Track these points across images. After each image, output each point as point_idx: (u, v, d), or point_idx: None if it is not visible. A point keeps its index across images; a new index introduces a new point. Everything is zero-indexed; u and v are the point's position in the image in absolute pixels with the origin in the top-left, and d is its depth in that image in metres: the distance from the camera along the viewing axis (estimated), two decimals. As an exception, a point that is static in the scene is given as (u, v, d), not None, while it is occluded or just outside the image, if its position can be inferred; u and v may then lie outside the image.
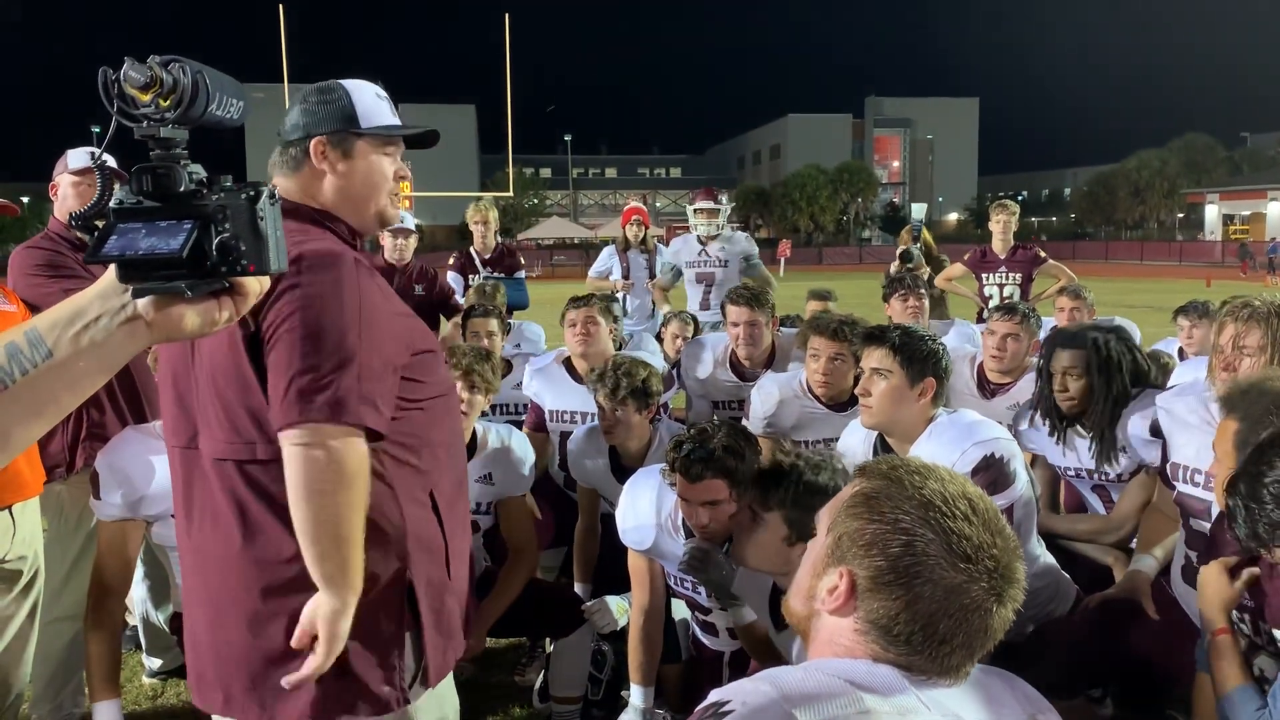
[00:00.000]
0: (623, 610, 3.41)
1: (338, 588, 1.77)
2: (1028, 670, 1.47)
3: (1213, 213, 62.72)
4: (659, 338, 6.20)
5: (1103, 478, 3.42)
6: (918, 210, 10.70)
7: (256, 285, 1.14)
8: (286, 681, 1.81)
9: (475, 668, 3.91)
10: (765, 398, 3.90)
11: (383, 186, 2.06)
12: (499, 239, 7.26)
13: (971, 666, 1.27)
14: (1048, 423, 3.48)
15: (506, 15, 42.49)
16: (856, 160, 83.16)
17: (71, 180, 3.54)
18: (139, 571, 3.65)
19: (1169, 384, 3.88)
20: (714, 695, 1.21)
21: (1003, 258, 7.35)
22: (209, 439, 1.87)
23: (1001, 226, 7.36)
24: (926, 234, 7.92)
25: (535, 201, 74.43)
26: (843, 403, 3.79)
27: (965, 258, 7.64)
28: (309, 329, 1.72)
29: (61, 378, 1.06)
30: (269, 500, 1.82)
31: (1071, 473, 3.53)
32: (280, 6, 40.20)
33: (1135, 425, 3.23)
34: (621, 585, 3.37)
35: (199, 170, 1.14)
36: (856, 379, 3.82)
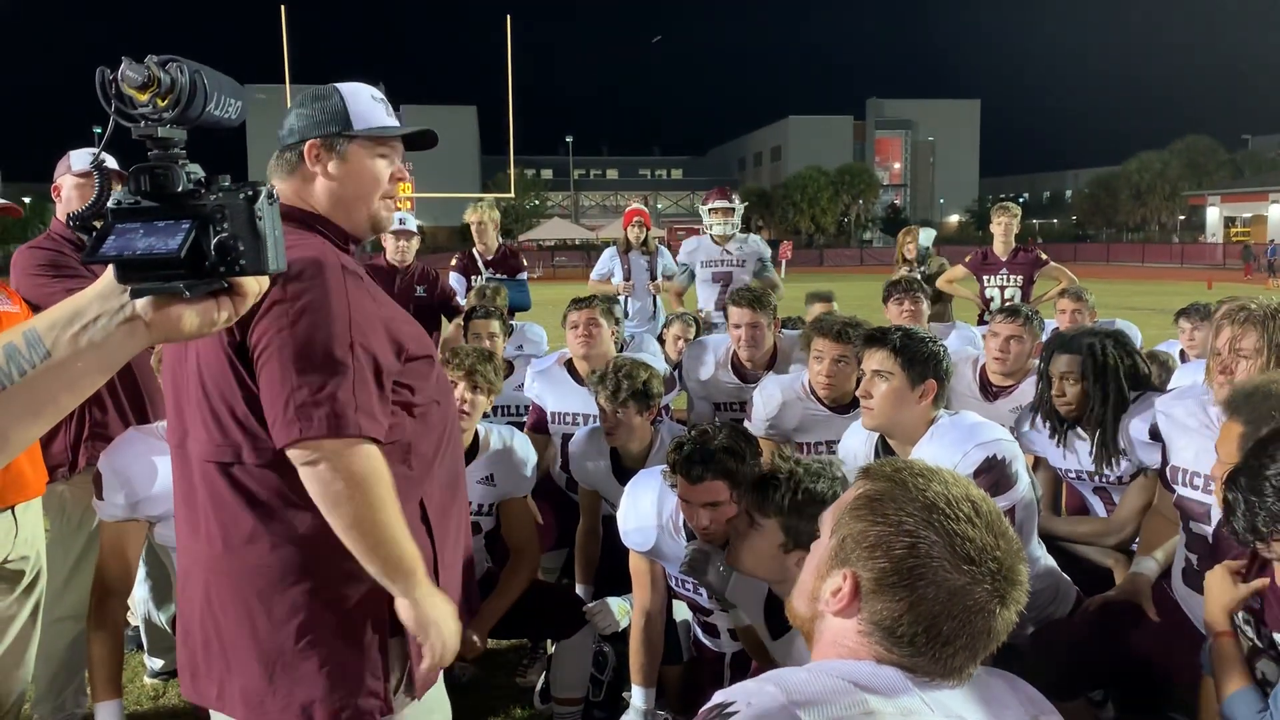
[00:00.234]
0: (624, 611, 3.41)
1: (394, 582, 1.81)
2: (1028, 672, 1.47)
3: (1214, 215, 62.70)
4: (660, 339, 6.20)
5: (1104, 480, 3.42)
6: (926, 237, 10.41)
7: (255, 285, 1.14)
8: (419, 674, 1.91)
9: (477, 669, 3.92)
10: (767, 400, 3.90)
11: (376, 189, 2.05)
12: (501, 240, 7.27)
13: (974, 668, 1.27)
14: (1048, 425, 3.48)
15: (508, 16, 42.52)
16: (858, 162, 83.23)
17: (74, 181, 3.54)
18: (141, 572, 3.65)
19: (1170, 385, 3.88)
20: (718, 696, 1.21)
21: (1004, 260, 7.35)
22: (196, 440, 1.88)
23: (1003, 229, 7.36)
24: (935, 259, 7.84)
25: (536, 203, 74.46)
26: (845, 405, 3.79)
27: (966, 260, 7.64)
28: (299, 343, 1.72)
29: (60, 378, 1.06)
30: (253, 502, 1.83)
31: (1073, 475, 3.53)
32: (282, 7, 40.22)
33: (1135, 428, 3.24)
34: (623, 586, 3.37)
35: (197, 170, 1.13)
36: (859, 381, 3.84)
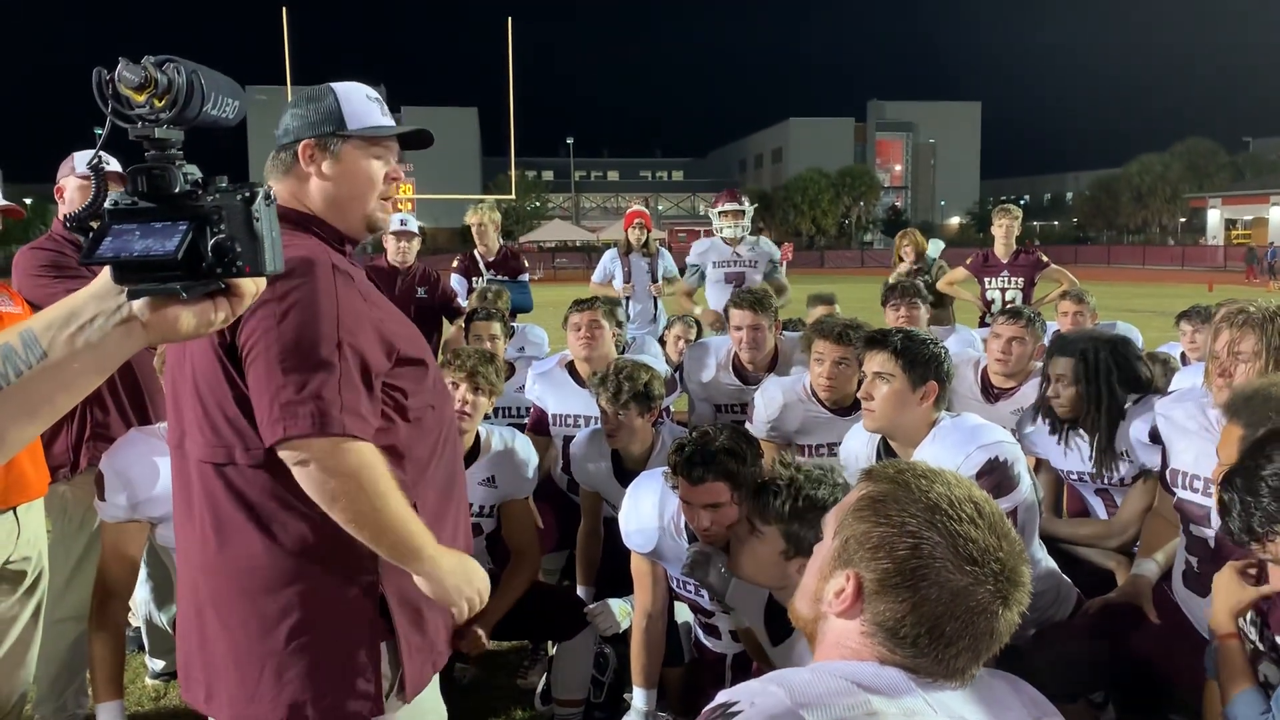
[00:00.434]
0: (625, 613, 3.41)
1: (409, 563, 1.84)
2: (1029, 673, 1.47)
3: (1215, 217, 62.67)
4: (661, 341, 6.21)
5: (1105, 482, 3.42)
6: (934, 248, 10.26)
7: (253, 286, 1.14)
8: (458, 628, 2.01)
9: (478, 670, 3.92)
10: (769, 402, 3.90)
11: (371, 190, 2.04)
12: (502, 242, 7.27)
13: (977, 669, 1.27)
14: (1049, 424, 3.49)
15: (509, 18, 42.55)
16: (858, 164, 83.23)
17: (78, 183, 3.53)
18: (142, 573, 3.65)
19: (1171, 387, 3.88)
20: (722, 696, 1.21)
21: (1005, 262, 7.35)
22: (192, 441, 1.88)
23: (1004, 231, 7.36)
24: (945, 265, 7.81)
25: (537, 204, 74.45)
26: (846, 407, 3.80)
27: (967, 262, 7.64)
28: (286, 342, 1.72)
29: (56, 379, 1.06)
30: (244, 504, 1.83)
31: (1074, 476, 3.53)
32: (283, 9, 40.24)
33: (1136, 430, 3.24)
34: (624, 588, 3.37)
35: (194, 171, 1.13)
36: (860, 383, 3.84)
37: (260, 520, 1.83)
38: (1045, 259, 7.35)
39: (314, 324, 1.74)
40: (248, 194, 1.11)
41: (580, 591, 3.90)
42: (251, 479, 1.82)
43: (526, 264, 7.43)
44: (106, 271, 1.08)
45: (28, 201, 38.80)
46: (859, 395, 3.05)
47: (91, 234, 1.10)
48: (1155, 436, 3.08)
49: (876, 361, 2.96)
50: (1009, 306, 5.98)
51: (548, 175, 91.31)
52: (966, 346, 5.01)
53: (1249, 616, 2.29)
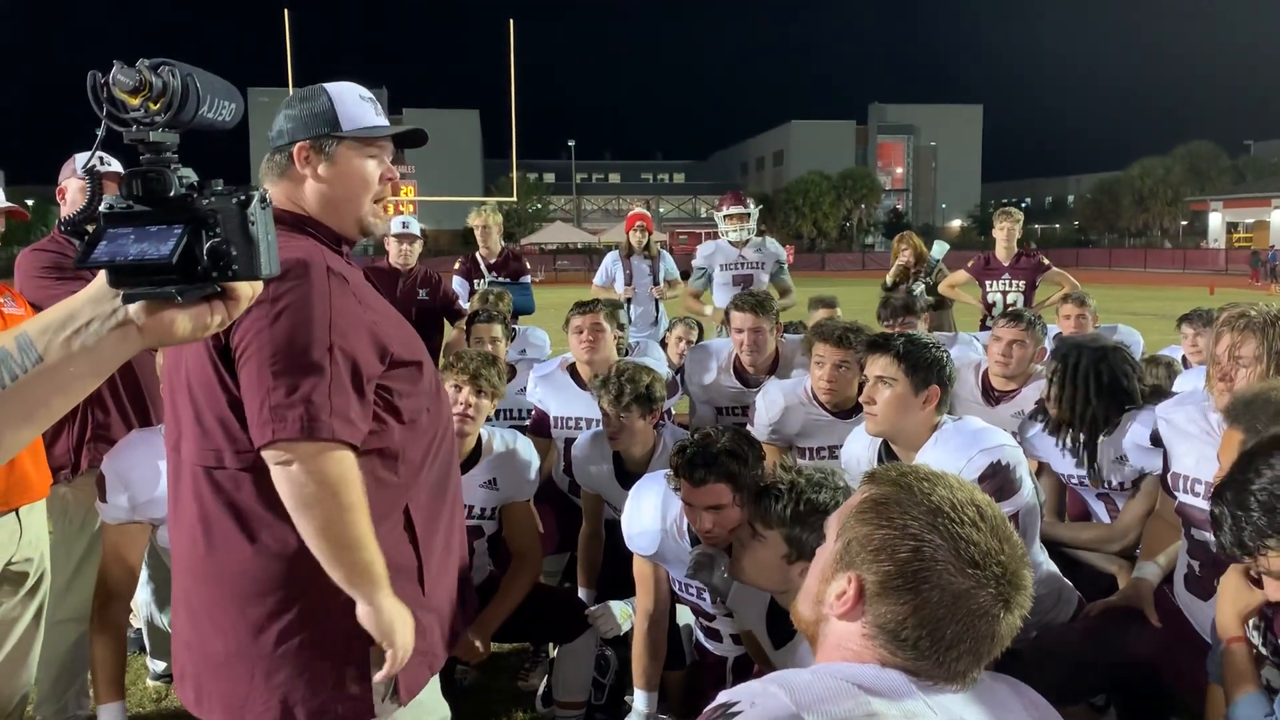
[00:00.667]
0: (626, 615, 3.41)
1: (357, 590, 1.81)
2: (1030, 677, 1.47)
3: (1216, 220, 62.65)
4: (663, 343, 6.20)
5: (1106, 486, 3.42)
6: (939, 250, 10.07)
7: (249, 290, 1.13)
8: (376, 679, 1.90)
9: (478, 673, 3.92)
10: (770, 404, 3.90)
11: (365, 190, 2.04)
12: (504, 244, 7.27)
13: (978, 672, 1.27)
14: (1045, 426, 3.48)
15: (511, 21, 42.58)
16: (860, 167, 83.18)
17: (80, 184, 3.54)
18: (143, 574, 3.66)
19: (1172, 390, 3.88)
20: (723, 696, 1.22)
21: (1006, 265, 7.35)
22: (185, 443, 1.89)
23: (1005, 234, 7.36)
24: (944, 269, 7.81)
25: (539, 206, 74.45)
26: (847, 410, 3.80)
27: (969, 265, 7.64)
28: (278, 344, 1.72)
29: (52, 382, 1.05)
30: (232, 507, 1.83)
31: (1075, 480, 3.53)
32: (285, 11, 40.28)
33: (1135, 434, 3.23)
34: (625, 590, 3.37)
35: (190, 174, 1.12)
36: (862, 386, 3.84)
37: (249, 524, 1.83)
38: (1046, 262, 7.36)
39: (306, 327, 1.74)
40: (243, 197, 1.10)
41: (582, 594, 3.90)
42: (241, 482, 1.82)
43: (528, 266, 7.43)
44: (102, 275, 1.08)
45: (29, 203, 38.83)
46: (861, 399, 3.04)
47: (87, 238, 1.09)
48: (1156, 440, 3.08)
49: (879, 365, 2.96)
50: (1010, 309, 5.99)
51: (549, 177, 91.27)
52: (967, 349, 5.01)
53: (1252, 621, 2.29)
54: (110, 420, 3.50)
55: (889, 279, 7.84)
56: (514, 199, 53.35)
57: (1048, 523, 3.49)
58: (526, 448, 3.46)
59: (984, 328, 6.94)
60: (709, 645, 3.40)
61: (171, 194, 1.10)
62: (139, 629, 3.99)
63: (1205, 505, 2.73)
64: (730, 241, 6.92)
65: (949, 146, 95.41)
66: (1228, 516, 2.01)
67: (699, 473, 2.70)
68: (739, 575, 2.60)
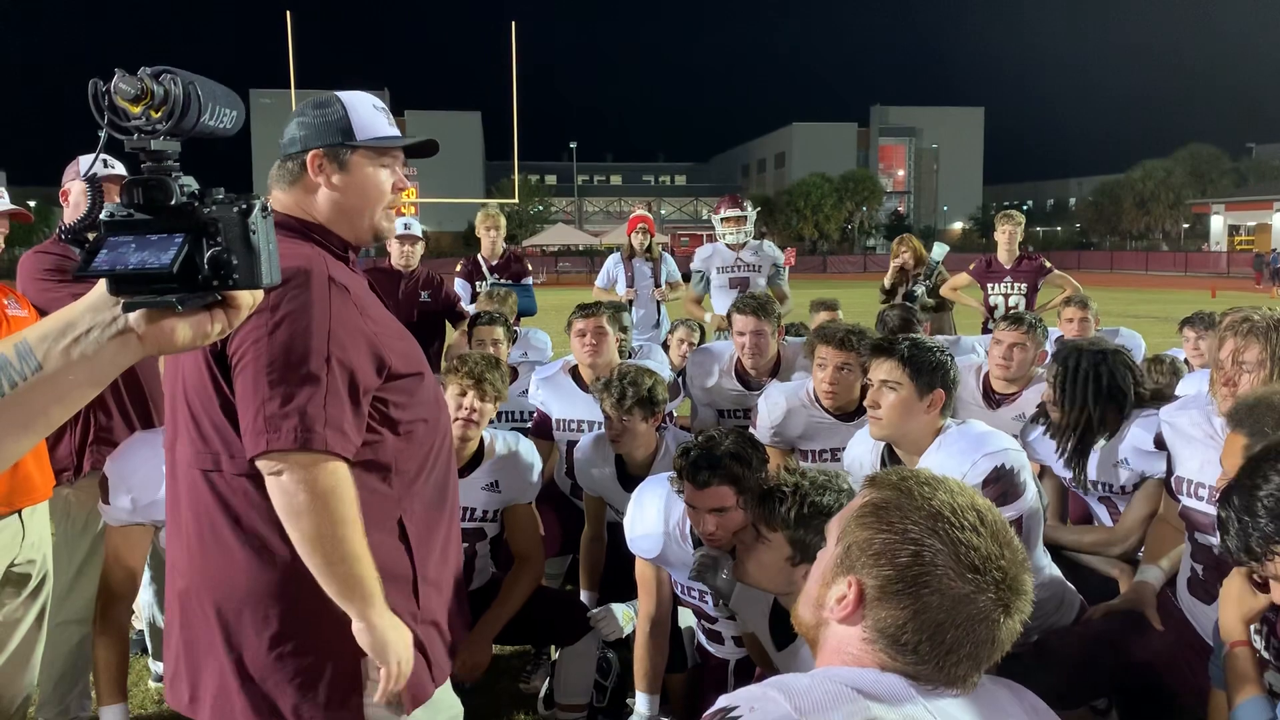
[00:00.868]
0: (628, 618, 3.41)
1: (350, 604, 1.80)
2: (1031, 681, 1.47)
3: (1218, 223, 62.64)
4: (665, 345, 6.20)
5: (1107, 490, 3.41)
6: (939, 251, 9.95)
7: (249, 298, 1.13)
8: (370, 701, 1.89)
9: (481, 674, 3.91)
10: (772, 407, 3.90)
11: (378, 199, 2.05)
12: (506, 245, 7.29)
13: (979, 677, 1.27)
14: (1046, 428, 3.48)
15: (513, 23, 42.62)
16: (861, 169, 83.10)
17: (83, 187, 3.53)
18: (146, 576, 3.66)
19: (1177, 392, 3.88)
20: (722, 701, 1.22)
21: (1008, 268, 7.35)
22: (181, 446, 1.89)
23: (1007, 236, 7.37)
24: (944, 271, 7.80)
25: (540, 208, 74.47)
26: (849, 412, 3.80)
27: (971, 267, 7.64)
28: (275, 354, 1.71)
29: (51, 391, 1.05)
30: (230, 512, 1.83)
31: (1076, 484, 3.52)
32: (288, 13, 40.32)
33: (1135, 438, 3.23)
34: (628, 593, 3.37)
35: (191, 183, 1.12)
36: (864, 389, 3.84)
37: (245, 529, 1.83)
38: (1048, 265, 7.36)
39: (304, 337, 1.73)
40: (244, 206, 1.10)
41: (583, 596, 3.90)
42: (238, 487, 1.82)
43: (530, 268, 7.43)
44: (103, 283, 1.07)
45: (31, 204, 38.86)
46: (865, 403, 3.04)
47: (87, 246, 1.09)
48: (1160, 443, 3.08)
49: (883, 370, 2.95)
50: (1011, 312, 5.99)
51: (551, 179, 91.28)
52: (969, 353, 5.01)
53: (1254, 625, 2.28)
54: (113, 423, 3.51)
55: (887, 282, 7.85)
56: (516, 201, 53.35)
57: (1050, 526, 3.49)
58: (529, 450, 3.47)
59: (985, 331, 6.94)
60: (711, 648, 3.40)
61: (172, 202, 1.09)
62: (141, 631, 3.99)
63: (1209, 509, 2.73)
64: (727, 244, 6.92)
65: (951, 149, 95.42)
66: (1234, 521, 2.01)
67: (702, 475, 2.70)
68: (743, 577, 2.60)
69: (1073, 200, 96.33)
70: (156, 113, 1.09)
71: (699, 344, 5.98)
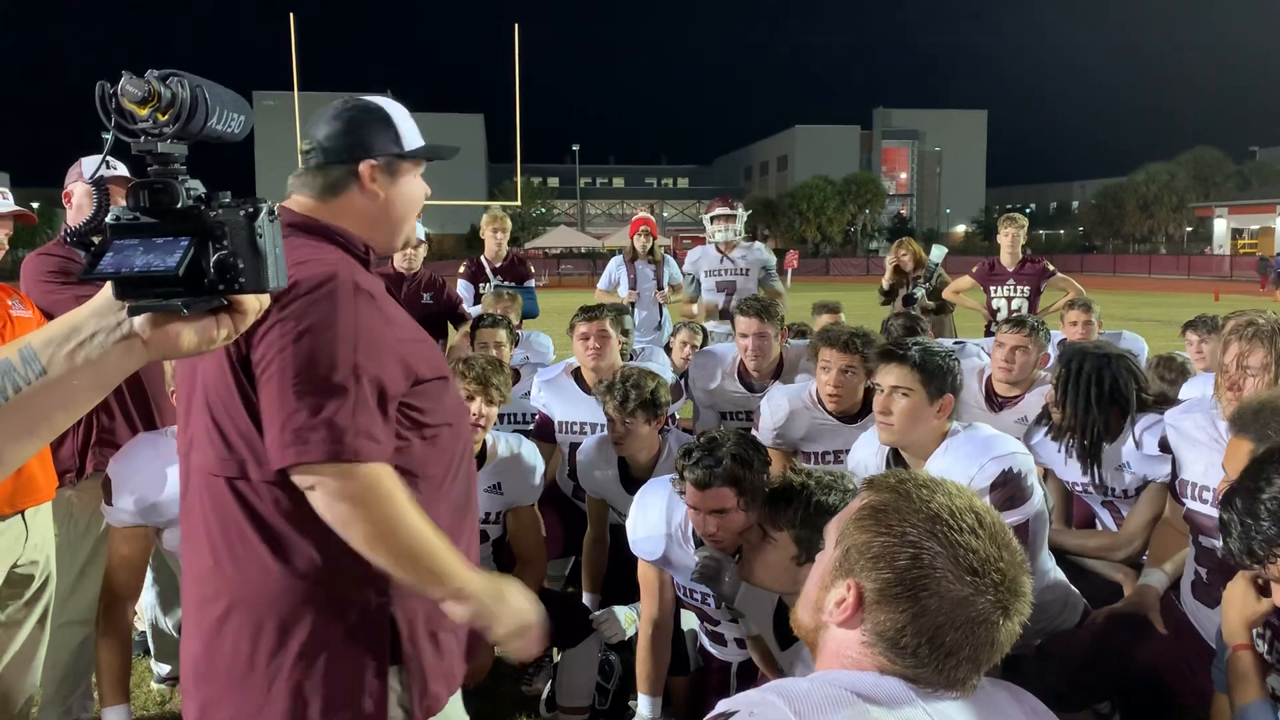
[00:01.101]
0: (631, 620, 3.41)
1: (432, 588, 1.77)
2: (1034, 683, 1.47)
3: (1221, 227, 62.57)
4: (667, 348, 6.21)
5: (1110, 494, 3.41)
6: (937, 253, 9.87)
7: (255, 303, 1.12)
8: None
9: (483, 677, 3.91)
10: (775, 409, 3.90)
11: (417, 209, 2.05)
12: (509, 248, 7.31)
13: (978, 679, 1.27)
14: (1049, 431, 3.48)
15: (516, 25, 42.67)
16: (864, 171, 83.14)
17: (86, 189, 3.54)
18: (148, 577, 3.66)
19: (1180, 396, 3.87)
20: (721, 705, 1.22)
21: (1011, 270, 7.35)
22: (200, 452, 1.85)
23: (1010, 239, 7.37)
24: (944, 273, 7.79)
25: (543, 211, 74.52)
26: (852, 415, 3.80)
27: (973, 270, 7.64)
28: (300, 364, 1.68)
29: (55, 396, 1.04)
30: (254, 519, 1.79)
31: (1079, 487, 3.52)
32: (291, 15, 40.39)
33: (1144, 441, 3.23)
34: (630, 595, 3.37)
35: (197, 186, 1.11)
36: (867, 391, 3.84)
37: (270, 537, 1.79)
38: (1051, 268, 7.36)
39: (330, 346, 1.70)
40: (251, 209, 1.09)
41: (586, 599, 3.90)
42: (263, 494, 1.78)
43: (532, 270, 7.45)
44: (108, 287, 1.06)
45: (34, 205, 38.88)
46: (875, 409, 3.01)
47: (93, 249, 1.08)
48: (1165, 446, 3.08)
49: (894, 375, 2.94)
50: (1013, 315, 5.99)
51: (553, 182, 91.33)
52: (971, 356, 5.01)
53: (1257, 629, 2.28)
54: (115, 424, 3.51)
55: (884, 283, 7.86)
56: (518, 203, 53.39)
57: (1053, 530, 3.48)
58: (531, 452, 3.47)
59: (988, 334, 6.93)
60: (713, 650, 3.40)
61: (179, 206, 1.09)
62: (143, 632, 3.99)
63: (1213, 512, 2.73)
64: (717, 242, 6.94)
65: (954, 151, 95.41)
66: (1237, 523, 2.01)
67: (704, 477, 2.70)
68: (749, 577, 2.60)
69: (1076, 203, 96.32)
70: (163, 115, 1.09)
71: (702, 346, 5.99)
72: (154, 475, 2.87)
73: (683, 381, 4.87)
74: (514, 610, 1.86)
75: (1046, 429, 3.50)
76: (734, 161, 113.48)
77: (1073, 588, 3.14)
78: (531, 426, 4.59)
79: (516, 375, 4.76)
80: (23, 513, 2.92)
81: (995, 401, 4.24)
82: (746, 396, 4.46)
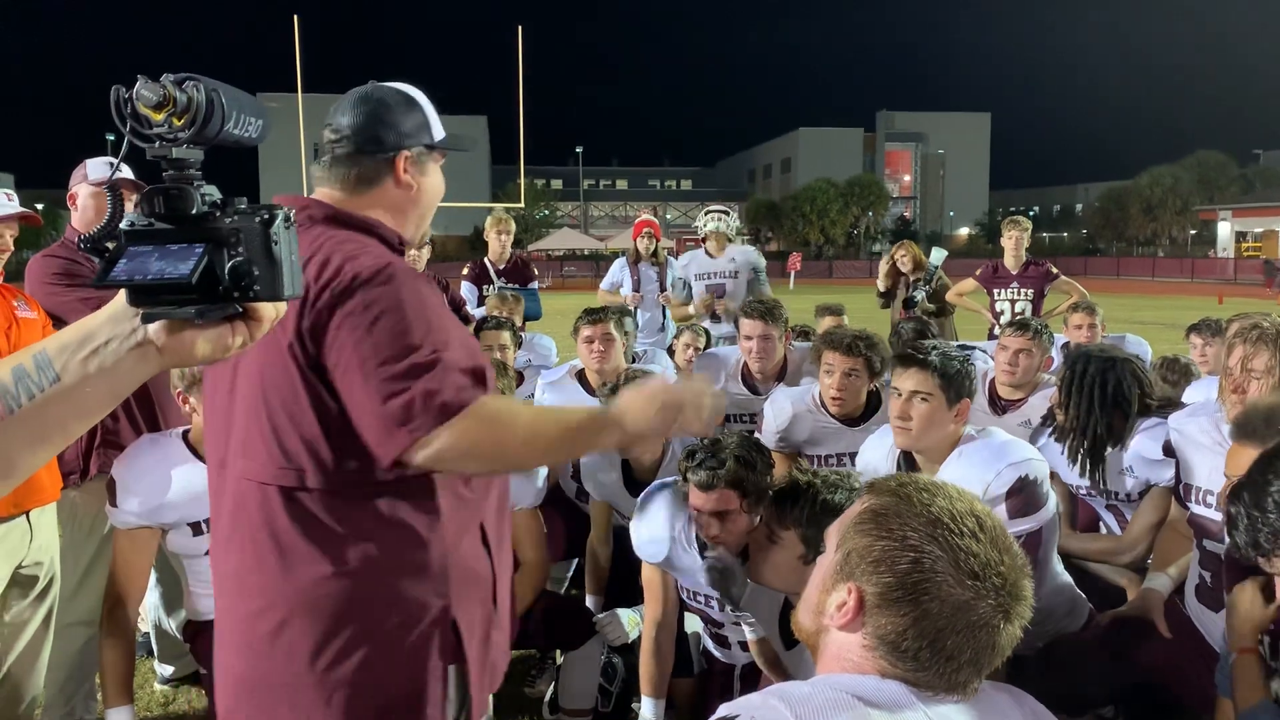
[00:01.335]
0: (634, 623, 3.41)
1: (594, 450, 1.79)
2: (1038, 687, 1.47)
3: (1225, 230, 62.48)
4: (670, 350, 6.20)
5: (1114, 497, 3.41)
6: (937, 256, 9.83)
7: (271, 310, 1.10)
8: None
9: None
10: (778, 412, 3.89)
11: (439, 200, 2.04)
12: (513, 250, 7.31)
13: (979, 683, 1.27)
14: (1053, 433, 3.48)
15: (519, 27, 42.72)
16: (867, 174, 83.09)
17: (90, 190, 3.54)
18: (152, 578, 3.66)
19: (1184, 399, 3.87)
20: (722, 710, 1.22)
21: (1014, 273, 7.35)
22: (251, 460, 1.78)
23: (1013, 242, 7.36)
24: (943, 276, 7.78)
25: (546, 213, 74.54)
26: (856, 418, 3.80)
27: (977, 273, 7.63)
28: (380, 349, 1.65)
29: (69, 402, 1.03)
30: (313, 527, 1.74)
31: (1083, 491, 3.52)
32: (295, 17, 40.44)
33: (1142, 445, 3.22)
34: (633, 598, 3.37)
35: (213, 192, 1.09)
36: (870, 394, 3.84)
37: (329, 545, 1.74)
38: (1055, 270, 7.35)
39: (404, 326, 1.67)
40: (266, 216, 1.07)
41: (589, 601, 3.90)
42: (323, 502, 1.74)
43: (536, 272, 7.45)
44: (122, 294, 1.05)
45: (39, 207, 38.92)
46: (892, 414, 2.97)
47: (106, 256, 1.07)
48: (1169, 450, 3.07)
49: (914, 380, 2.90)
50: (1017, 318, 5.98)
51: (556, 184, 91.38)
52: (975, 360, 5.01)
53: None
54: (119, 426, 3.52)
55: (881, 284, 7.86)
56: (521, 205, 53.41)
57: (1059, 533, 3.49)
58: (533, 454, 3.46)
59: (992, 337, 6.93)
60: (717, 653, 3.39)
61: (194, 212, 1.07)
62: (147, 633, 3.99)
63: (1218, 516, 2.73)
64: (708, 233, 7.01)
65: (957, 154, 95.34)
66: (1243, 516, 2.01)
67: (708, 479, 2.70)
68: (756, 577, 2.60)
69: (1079, 206, 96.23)
70: (179, 120, 1.07)
71: (705, 349, 5.99)
72: (159, 477, 2.88)
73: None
74: (693, 398, 1.81)
75: (1050, 432, 3.49)
76: (737, 164, 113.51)
77: (1079, 591, 3.13)
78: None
79: (520, 377, 4.76)
80: (28, 513, 2.93)
81: (998, 404, 4.24)
82: (750, 399, 4.46)
